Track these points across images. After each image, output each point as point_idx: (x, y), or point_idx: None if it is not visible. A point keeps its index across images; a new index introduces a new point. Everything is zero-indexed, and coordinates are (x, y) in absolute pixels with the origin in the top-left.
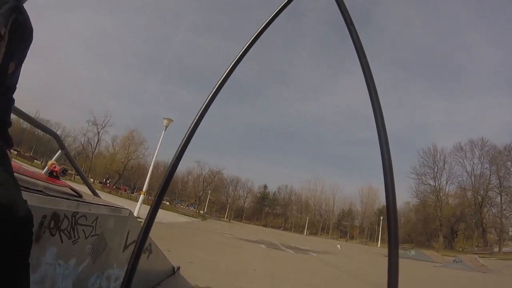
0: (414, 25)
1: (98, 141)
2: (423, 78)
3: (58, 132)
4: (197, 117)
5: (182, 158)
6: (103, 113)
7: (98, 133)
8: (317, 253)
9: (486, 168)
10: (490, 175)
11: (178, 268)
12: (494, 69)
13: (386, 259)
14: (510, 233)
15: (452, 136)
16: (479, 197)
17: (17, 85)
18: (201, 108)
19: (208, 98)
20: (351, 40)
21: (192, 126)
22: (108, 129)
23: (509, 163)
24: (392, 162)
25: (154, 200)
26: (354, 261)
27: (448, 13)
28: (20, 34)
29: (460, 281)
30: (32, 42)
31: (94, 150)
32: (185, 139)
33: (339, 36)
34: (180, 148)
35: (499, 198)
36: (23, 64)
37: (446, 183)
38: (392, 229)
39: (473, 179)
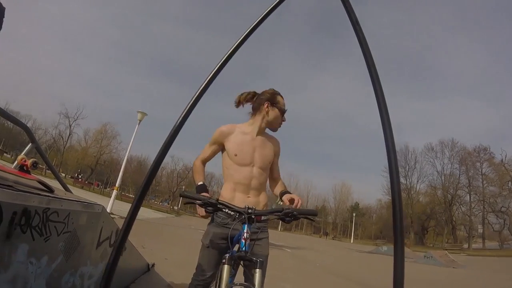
0: (396, 26)
1: (70, 134)
2: (400, 79)
3: (29, 124)
4: (183, 113)
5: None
6: (75, 105)
7: (70, 126)
8: (292, 249)
9: (456, 168)
10: (459, 175)
11: (153, 265)
12: (467, 71)
13: (359, 254)
14: (479, 230)
15: (423, 136)
16: (449, 196)
17: None
18: (188, 104)
19: (196, 95)
20: (355, 40)
21: (178, 122)
22: (80, 122)
23: (478, 164)
24: (367, 160)
25: (135, 197)
26: (328, 257)
27: (423, 15)
28: None
29: (431, 276)
30: (3, 24)
31: (66, 144)
32: (170, 135)
33: (323, 34)
34: (165, 144)
35: (468, 197)
36: None
37: (417, 181)
38: (398, 228)
39: (443, 178)
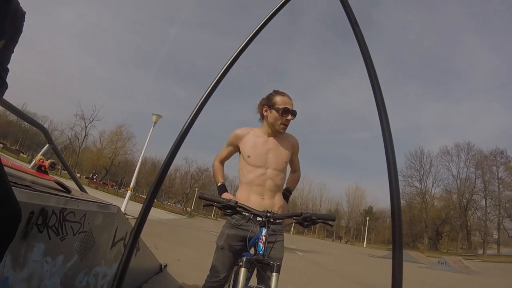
0: (411, 27)
1: (85, 136)
2: (416, 80)
3: (45, 126)
4: (192, 115)
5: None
6: (91, 107)
7: (86, 127)
8: (304, 252)
9: (471, 172)
10: (475, 179)
11: (166, 265)
12: (484, 74)
13: (372, 259)
14: (494, 236)
15: (439, 140)
16: (464, 200)
17: (7, 66)
18: (196, 106)
19: (204, 96)
20: (355, 41)
21: (187, 123)
22: (96, 124)
23: (494, 167)
24: (382, 164)
25: (146, 197)
26: (340, 261)
27: (445, 16)
28: (9, 11)
29: (445, 282)
30: (23, 30)
31: (81, 145)
32: (179, 137)
33: (338, 36)
34: (174, 146)
35: (484, 201)
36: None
37: (432, 185)
38: (397, 232)
39: (458, 182)
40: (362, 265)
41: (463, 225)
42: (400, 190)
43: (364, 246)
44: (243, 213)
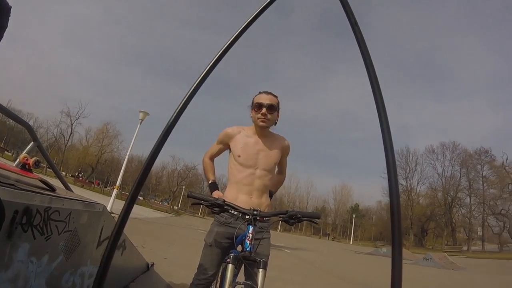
0: (402, 28)
1: (71, 133)
2: (405, 81)
3: (30, 123)
4: (177, 111)
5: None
6: (77, 104)
7: (72, 124)
8: (291, 250)
9: (456, 170)
10: (460, 177)
11: (153, 264)
12: (472, 76)
13: (358, 255)
14: (478, 232)
15: (425, 139)
16: (449, 198)
17: None
18: (181, 102)
19: (189, 92)
20: (352, 40)
21: (171, 120)
22: (82, 121)
23: (479, 166)
24: (368, 162)
25: (129, 194)
26: (327, 258)
27: (435, 18)
28: None
29: (430, 278)
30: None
31: (67, 142)
32: (163, 133)
33: (328, 35)
34: (158, 142)
35: (469, 199)
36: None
37: (418, 183)
38: (396, 230)
39: (443, 180)
40: (349, 262)
41: (448, 222)
42: (386, 188)
43: (351, 243)
44: (231, 211)
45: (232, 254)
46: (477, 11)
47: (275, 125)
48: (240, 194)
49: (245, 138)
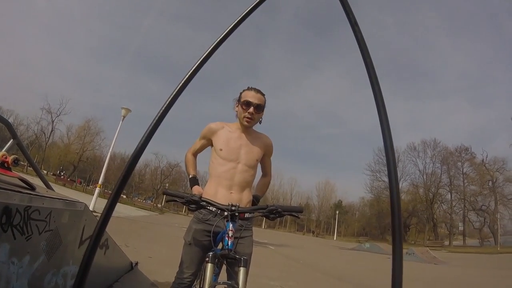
0: (386, 27)
1: (52, 130)
2: (387, 79)
3: (10, 120)
4: (163, 108)
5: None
6: (58, 100)
7: (53, 121)
8: (275, 246)
9: (437, 167)
10: (441, 174)
11: (137, 263)
12: (454, 75)
13: (342, 251)
14: (459, 228)
15: (407, 136)
16: (431, 194)
17: None
18: (168, 99)
19: (177, 89)
20: (351, 40)
21: (157, 117)
22: (63, 118)
23: (459, 163)
24: (350, 159)
25: (112, 192)
26: (311, 254)
27: (417, 18)
28: None
29: (412, 272)
30: None
31: (48, 140)
32: (148, 131)
33: (314, 34)
34: (143, 139)
35: (449, 195)
36: None
37: (400, 180)
38: (396, 231)
39: (425, 177)
40: (333, 257)
41: (429, 217)
42: (369, 184)
43: (335, 238)
44: (208, 207)
45: (211, 253)
46: (459, 12)
47: (260, 123)
48: (220, 188)
49: (228, 133)
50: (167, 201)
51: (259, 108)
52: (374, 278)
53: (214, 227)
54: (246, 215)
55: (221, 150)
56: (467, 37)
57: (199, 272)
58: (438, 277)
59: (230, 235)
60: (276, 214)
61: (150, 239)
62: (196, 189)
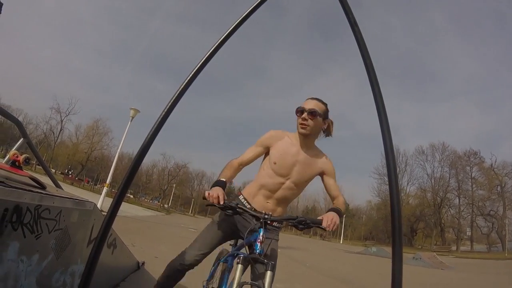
0: (394, 30)
1: (61, 130)
2: (395, 82)
3: (20, 119)
4: (166, 108)
5: (148, 151)
6: (67, 100)
7: (62, 121)
8: (282, 249)
9: (445, 171)
10: (449, 178)
11: (143, 263)
12: (462, 77)
13: (348, 255)
14: (467, 233)
15: (415, 140)
16: (438, 199)
17: None
18: (171, 99)
19: (180, 90)
20: (351, 40)
21: (161, 117)
22: (72, 118)
23: (468, 167)
24: (357, 162)
25: (117, 192)
26: (317, 257)
27: (426, 20)
28: None
29: (419, 277)
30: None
31: (57, 139)
32: (153, 130)
33: (319, 35)
34: (147, 140)
35: (457, 200)
36: None
37: (407, 184)
38: (397, 230)
39: (433, 181)
40: (339, 261)
41: (437, 222)
42: (376, 188)
43: (341, 242)
44: (242, 215)
45: (242, 255)
46: (468, 12)
47: (326, 136)
48: (259, 194)
49: (287, 145)
50: (206, 205)
51: (313, 113)
52: (379, 282)
53: (249, 228)
54: (277, 224)
55: (275, 163)
56: (475, 40)
57: (205, 257)
58: (445, 283)
59: (261, 241)
60: (305, 225)
61: (157, 239)
62: (216, 190)
